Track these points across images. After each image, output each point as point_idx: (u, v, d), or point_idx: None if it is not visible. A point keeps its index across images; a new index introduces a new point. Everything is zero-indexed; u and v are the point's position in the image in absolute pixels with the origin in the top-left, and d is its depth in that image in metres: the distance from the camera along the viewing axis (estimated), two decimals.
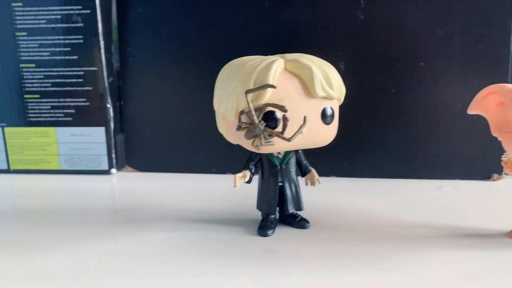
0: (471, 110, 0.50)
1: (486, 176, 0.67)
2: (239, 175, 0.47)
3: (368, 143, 0.68)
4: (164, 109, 0.74)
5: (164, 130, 0.75)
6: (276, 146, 0.43)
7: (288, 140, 0.42)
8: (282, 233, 0.49)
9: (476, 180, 0.67)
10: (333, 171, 0.70)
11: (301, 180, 0.51)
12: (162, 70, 0.74)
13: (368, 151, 0.69)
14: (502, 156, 0.47)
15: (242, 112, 0.42)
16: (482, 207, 0.57)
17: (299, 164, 0.51)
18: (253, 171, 0.49)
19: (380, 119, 0.68)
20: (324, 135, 0.46)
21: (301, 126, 0.42)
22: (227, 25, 0.70)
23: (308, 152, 0.50)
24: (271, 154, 0.48)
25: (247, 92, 0.41)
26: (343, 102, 0.47)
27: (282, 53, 0.46)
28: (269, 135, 0.42)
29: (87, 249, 0.45)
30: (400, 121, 0.67)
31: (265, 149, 0.44)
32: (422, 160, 0.68)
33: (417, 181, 0.68)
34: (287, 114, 0.42)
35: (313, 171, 0.51)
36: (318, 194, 0.54)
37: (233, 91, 0.43)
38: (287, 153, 0.49)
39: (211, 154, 0.74)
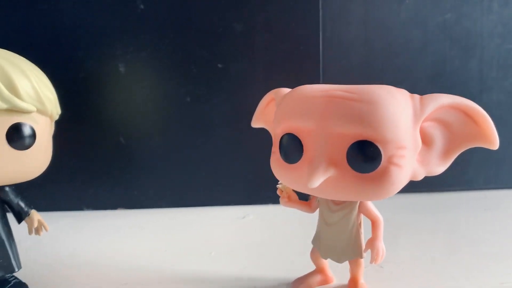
0: (254, 123, 0.40)
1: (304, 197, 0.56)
2: None
3: (162, 166, 0.55)
4: None
5: None
6: None
7: None
8: None
9: None
10: (120, 202, 0.56)
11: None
12: None
13: (163, 175, 0.55)
14: (278, 183, 0.36)
15: None
16: (287, 242, 0.46)
17: (8, 205, 0.35)
18: None
19: (174, 135, 0.55)
20: (16, 165, 0.31)
21: None
22: None
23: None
24: None
25: None
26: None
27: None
28: None
29: None
30: (197, 137, 0.55)
31: None
32: (226, 184, 0.56)
33: (219, 209, 0.56)
34: None
35: (33, 213, 0.36)
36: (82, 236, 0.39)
37: None
38: None
39: None
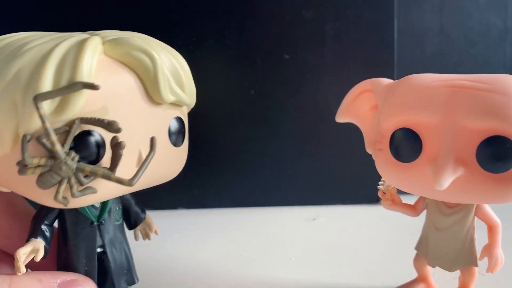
0: (340, 117, 0.36)
1: (375, 199, 0.52)
2: (24, 250, 0.25)
3: (224, 163, 0.52)
4: None
5: None
6: (100, 194, 0.25)
7: (129, 184, 0.23)
8: None
9: (362, 204, 0.52)
10: (181, 202, 0.52)
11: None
12: None
13: (225, 174, 0.52)
14: (379, 182, 0.33)
15: (28, 138, 0.23)
16: (370, 246, 0.42)
17: (127, 212, 0.32)
18: (49, 237, 0.27)
19: (237, 130, 0.51)
20: (174, 163, 0.29)
21: (149, 155, 0.25)
22: None
23: None
24: None
25: (38, 98, 0.22)
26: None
27: (81, 29, 0.29)
28: (86, 176, 0.23)
29: None
30: (262, 133, 0.51)
31: (79, 202, 0.24)
32: (293, 182, 0.52)
33: (286, 210, 0.52)
34: (121, 137, 0.24)
35: (148, 217, 0.33)
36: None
37: (6, 98, 0.23)
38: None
39: None
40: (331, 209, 0.51)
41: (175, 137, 0.28)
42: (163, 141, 0.27)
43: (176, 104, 0.28)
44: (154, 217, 0.50)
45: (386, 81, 0.32)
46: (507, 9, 0.53)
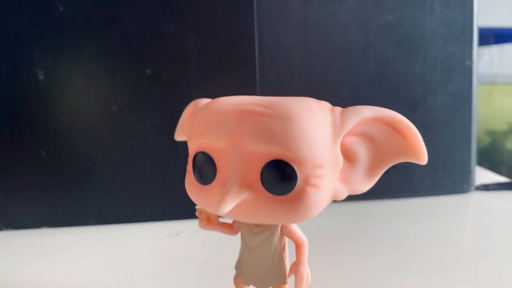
0: (178, 136, 0.37)
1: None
2: None
3: (89, 180, 0.51)
4: None
5: None
6: None
7: None
8: None
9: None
10: (45, 221, 0.51)
11: None
12: None
13: (91, 190, 0.51)
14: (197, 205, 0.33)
15: None
16: (223, 263, 0.42)
17: None
18: None
19: (101, 146, 0.51)
20: None
21: None
22: None
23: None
24: None
25: None
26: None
27: None
28: None
29: None
30: (126, 148, 0.51)
31: None
32: (158, 197, 0.52)
33: (152, 226, 0.52)
34: None
35: None
36: None
37: None
38: None
39: None
40: (197, 223, 0.51)
41: None
42: None
43: None
44: (15, 237, 0.49)
45: (205, 101, 0.33)
46: (368, 25, 0.55)
